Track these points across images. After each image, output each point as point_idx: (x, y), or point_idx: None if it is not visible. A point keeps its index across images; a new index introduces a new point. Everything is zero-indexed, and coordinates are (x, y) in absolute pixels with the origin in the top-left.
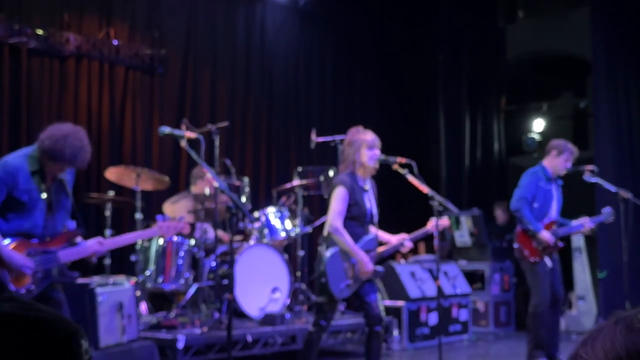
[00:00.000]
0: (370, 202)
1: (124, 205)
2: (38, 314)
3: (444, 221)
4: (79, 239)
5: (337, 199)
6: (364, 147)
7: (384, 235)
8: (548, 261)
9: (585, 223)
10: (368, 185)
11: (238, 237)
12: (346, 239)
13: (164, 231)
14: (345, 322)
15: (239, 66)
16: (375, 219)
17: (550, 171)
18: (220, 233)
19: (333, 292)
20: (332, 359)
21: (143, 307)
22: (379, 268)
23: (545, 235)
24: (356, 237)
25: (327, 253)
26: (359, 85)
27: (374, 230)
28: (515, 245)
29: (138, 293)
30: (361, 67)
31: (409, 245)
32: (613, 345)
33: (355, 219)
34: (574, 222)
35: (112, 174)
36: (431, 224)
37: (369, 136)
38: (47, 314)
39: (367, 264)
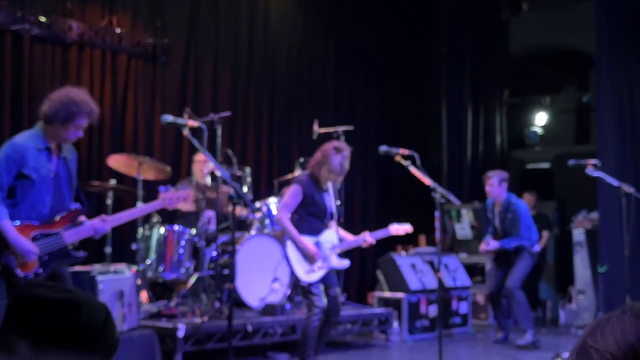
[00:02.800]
0: (330, 202)
1: (126, 194)
2: (72, 296)
3: (407, 227)
4: (82, 218)
5: (288, 194)
6: (326, 168)
7: (345, 234)
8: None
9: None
10: (327, 186)
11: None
12: (288, 228)
13: (167, 202)
14: (345, 313)
15: (242, 55)
16: (335, 216)
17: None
18: (238, 209)
19: (299, 276)
20: (331, 350)
21: (143, 295)
22: (344, 261)
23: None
24: (316, 232)
25: (286, 243)
26: (361, 76)
27: (333, 226)
28: None
29: (139, 282)
30: (363, 59)
31: (370, 240)
32: (624, 334)
33: (314, 215)
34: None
35: (113, 162)
36: (392, 227)
37: (336, 162)
38: (80, 296)
39: (309, 248)
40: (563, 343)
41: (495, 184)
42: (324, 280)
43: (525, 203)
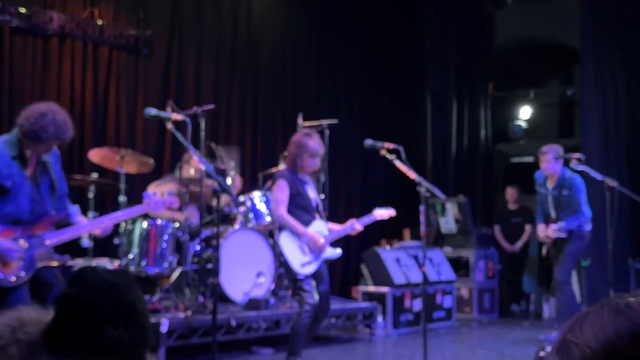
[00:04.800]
0: (313, 193)
1: (108, 188)
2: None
3: (390, 212)
4: (75, 218)
5: (278, 190)
6: (307, 154)
7: (333, 226)
8: (544, 250)
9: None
10: (309, 180)
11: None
12: (292, 223)
13: (151, 207)
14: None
15: (225, 48)
16: (320, 207)
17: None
18: (224, 198)
19: (294, 269)
20: (315, 345)
21: None
22: (336, 249)
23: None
24: (305, 224)
25: (279, 236)
26: (345, 70)
27: (321, 218)
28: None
29: None
30: (347, 52)
31: (358, 227)
32: (602, 328)
33: (302, 208)
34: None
35: (95, 155)
36: (376, 212)
37: (315, 144)
38: (139, 297)
39: (318, 239)
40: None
41: (552, 160)
42: (315, 275)
43: (580, 177)
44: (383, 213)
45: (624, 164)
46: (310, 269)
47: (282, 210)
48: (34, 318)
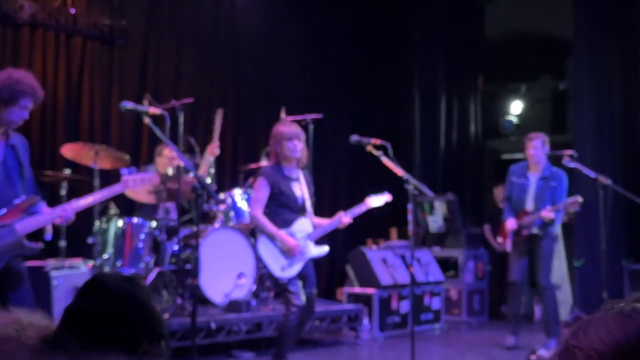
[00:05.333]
0: (300, 190)
1: (81, 184)
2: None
3: (386, 197)
4: (40, 206)
5: (256, 189)
6: (284, 140)
7: (321, 221)
8: (508, 245)
9: (542, 212)
10: (297, 175)
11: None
12: (264, 223)
13: (130, 184)
14: None
15: (205, 39)
16: (308, 205)
17: (529, 165)
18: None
19: (274, 274)
20: (299, 348)
21: None
22: (322, 247)
23: (508, 224)
24: (287, 223)
25: (258, 240)
26: (330, 63)
27: (307, 216)
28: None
29: None
30: (333, 45)
31: (346, 220)
32: (609, 332)
33: (285, 206)
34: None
35: (68, 151)
36: (370, 199)
37: (288, 128)
38: (152, 308)
39: (289, 241)
40: (538, 339)
41: (540, 147)
42: (301, 275)
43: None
44: (377, 200)
45: (618, 161)
46: (292, 271)
47: (256, 210)
48: (31, 322)
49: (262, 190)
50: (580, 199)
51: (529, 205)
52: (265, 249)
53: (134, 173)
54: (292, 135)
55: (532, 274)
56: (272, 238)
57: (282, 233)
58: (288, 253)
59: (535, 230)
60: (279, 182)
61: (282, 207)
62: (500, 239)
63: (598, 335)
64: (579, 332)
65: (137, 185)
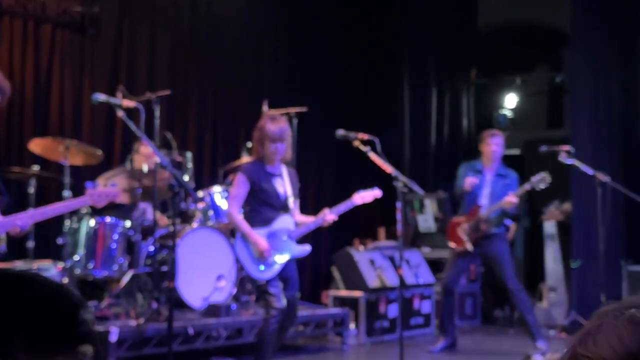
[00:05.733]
0: (283, 187)
1: (50, 182)
2: (50, 282)
3: (375, 192)
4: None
5: (234, 185)
6: (267, 140)
7: (306, 219)
8: (469, 246)
9: (506, 198)
10: (280, 171)
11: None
12: (239, 221)
13: (95, 199)
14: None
15: (182, 27)
16: (291, 202)
17: (483, 162)
18: (158, 215)
19: (252, 275)
20: (281, 355)
21: None
22: (304, 246)
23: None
24: (268, 221)
25: (236, 238)
26: (315, 54)
27: (291, 213)
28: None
29: (66, 280)
30: (318, 35)
31: (330, 218)
32: (621, 340)
33: (266, 204)
34: None
35: (36, 146)
36: (357, 195)
37: (275, 128)
38: (56, 284)
39: (260, 243)
40: (533, 345)
41: (501, 144)
42: (283, 276)
43: None
44: (365, 195)
45: (617, 158)
46: (271, 272)
47: (232, 208)
48: None
49: (240, 186)
50: (545, 174)
51: (485, 201)
52: (242, 248)
53: (97, 187)
54: (276, 137)
55: (496, 278)
56: (245, 238)
57: (254, 234)
58: (260, 255)
59: (493, 230)
60: (260, 178)
61: (263, 205)
62: (453, 243)
63: (609, 343)
64: (588, 339)
65: (102, 201)
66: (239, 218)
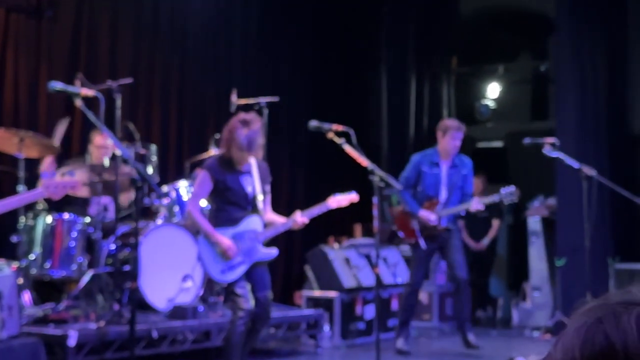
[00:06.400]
0: (251, 185)
1: (3, 176)
2: None
3: (352, 196)
4: None
5: (197, 183)
6: (235, 147)
7: (276, 218)
8: (422, 243)
9: (472, 203)
10: (249, 167)
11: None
12: (199, 220)
13: (51, 191)
14: None
15: (146, 12)
16: (259, 201)
17: (440, 154)
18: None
19: (213, 277)
20: (253, 358)
21: (26, 297)
22: (271, 250)
23: (424, 214)
24: (234, 222)
25: (199, 238)
26: (288, 41)
27: (260, 213)
28: (393, 228)
29: (20, 281)
30: (292, 21)
31: (300, 221)
32: (571, 339)
33: (233, 204)
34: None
35: None
36: (332, 199)
37: (244, 138)
38: None
39: (222, 242)
40: (516, 346)
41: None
42: (251, 278)
43: None
44: (341, 199)
45: (604, 151)
46: (234, 275)
47: (192, 206)
48: None
49: (202, 185)
50: (516, 189)
51: (443, 194)
52: (204, 249)
53: (54, 177)
54: (244, 148)
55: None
56: (207, 238)
57: (216, 233)
58: (223, 255)
59: (449, 224)
60: (226, 176)
61: (229, 204)
62: (403, 234)
63: (563, 343)
64: (558, 340)
65: (59, 192)
66: (200, 216)
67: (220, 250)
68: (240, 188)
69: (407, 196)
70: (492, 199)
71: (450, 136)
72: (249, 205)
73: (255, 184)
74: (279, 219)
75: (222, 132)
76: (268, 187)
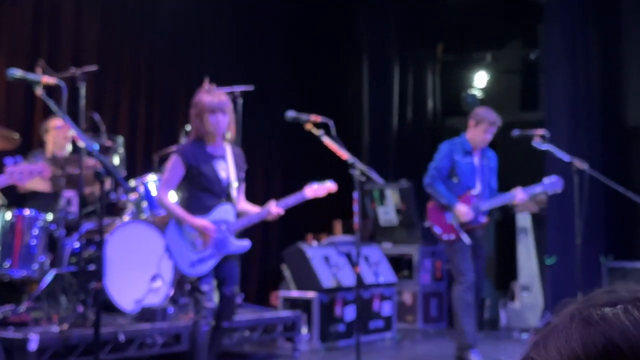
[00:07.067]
0: (226, 171)
1: None
2: None
3: (329, 186)
4: None
5: (167, 169)
6: (206, 112)
7: (250, 208)
8: (466, 238)
9: (516, 194)
10: (223, 151)
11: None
12: (170, 206)
13: (16, 177)
14: (242, 318)
15: None
16: (234, 188)
17: (471, 143)
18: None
19: (182, 270)
20: None
21: None
22: (243, 242)
23: (462, 208)
24: (206, 210)
25: (167, 227)
26: (265, 28)
27: (233, 201)
28: (427, 224)
29: None
30: (268, 5)
31: (275, 211)
32: (568, 342)
33: (206, 191)
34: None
35: None
36: (308, 189)
37: (210, 98)
38: None
39: (198, 223)
40: (503, 348)
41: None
42: (218, 273)
43: None
44: (318, 189)
45: (596, 143)
46: (203, 268)
47: (162, 192)
48: None
49: (173, 170)
50: (557, 178)
51: (478, 187)
52: (173, 239)
53: (20, 163)
54: (215, 107)
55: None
56: (180, 223)
57: (190, 216)
58: (198, 243)
59: (486, 219)
60: (199, 161)
61: (202, 191)
62: (441, 230)
63: (556, 347)
64: (540, 342)
65: (24, 178)
66: (170, 202)
67: (193, 238)
68: (214, 173)
69: (441, 187)
70: (536, 189)
71: (482, 129)
72: (223, 193)
73: (230, 170)
74: (252, 209)
75: (190, 115)
76: (242, 175)
